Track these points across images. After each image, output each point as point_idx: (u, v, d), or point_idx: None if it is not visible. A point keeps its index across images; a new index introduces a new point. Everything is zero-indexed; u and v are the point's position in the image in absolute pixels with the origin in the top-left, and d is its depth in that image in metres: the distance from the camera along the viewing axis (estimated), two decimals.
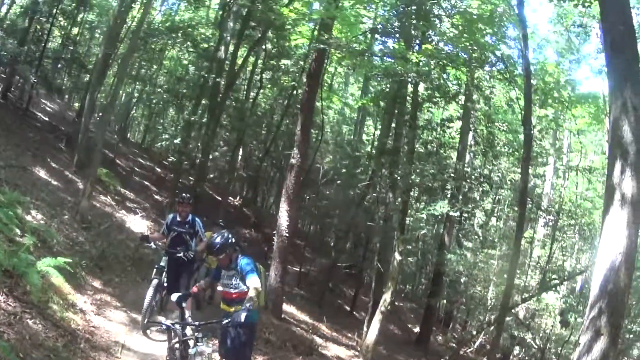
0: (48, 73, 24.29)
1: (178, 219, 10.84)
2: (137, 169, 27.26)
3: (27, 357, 6.59)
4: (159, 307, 11.23)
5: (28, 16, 21.85)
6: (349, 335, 20.50)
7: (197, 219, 10.99)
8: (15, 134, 18.14)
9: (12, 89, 22.65)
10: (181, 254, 10.49)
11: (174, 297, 7.52)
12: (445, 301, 25.60)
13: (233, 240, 7.19)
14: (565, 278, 20.64)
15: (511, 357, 24.17)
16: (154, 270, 10.82)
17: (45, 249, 10.65)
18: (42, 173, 16.13)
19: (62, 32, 26.55)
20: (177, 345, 7.16)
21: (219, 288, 7.58)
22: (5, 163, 14.55)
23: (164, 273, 10.64)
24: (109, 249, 14.13)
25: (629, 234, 7.63)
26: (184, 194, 11.04)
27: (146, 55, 28.02)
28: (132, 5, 23.92)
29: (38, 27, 22.83)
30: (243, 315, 6.56)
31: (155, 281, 10.36)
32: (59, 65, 25.81)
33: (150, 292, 10.11)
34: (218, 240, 7.09)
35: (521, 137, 20.62)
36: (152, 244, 10.94)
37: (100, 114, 28.21)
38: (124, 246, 15.33)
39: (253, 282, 6.96)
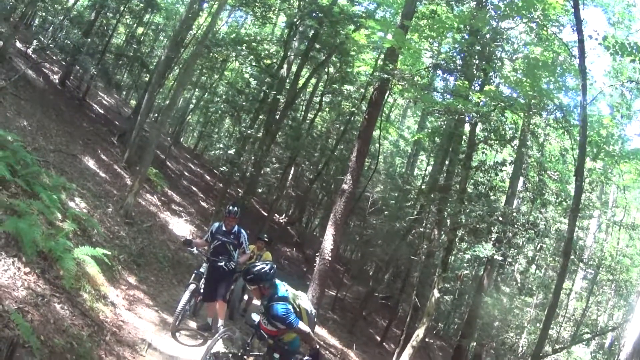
0: (109, 67, 24.70)
1: (224, 228, 10.62)
2: (186, 174, 27.34)
3: (49, 342, 6.33)
4: (191, 312, 11.16)
5: (95, 10, 22.30)
6: None
7: (242, 230, 10.79)
8: (68, 122, 18.20)
9: (71, 77, 22.87)
10: (223, 264, 10.28)
11: (255, 317, 7.26)
12: (475, 343, 24.97)
13: (271, 275, 6.70)
14: (598, 333, 20.00)
15: None
16: (193, 275, 10.73)
17: (85, 238, 10.57)
18: (90, 163, 16.09)
19: (127, 30, 26.96)
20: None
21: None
22: (55, 148, 14.55)
23: (202, 279, 10.52)
24: (148, 248, 14.02)
25: None
26: (233, 208, 10.66)
27: (209, 63, 28.15)
28: (199, 13, 24.15)
29: (104, 21, 23.28)
30: None
31: (192, 286, 10.22)
32: (120, 62, 26.11)
33: (186, 296, 10.01)
34: (257, 269, 6.65)
35: (570, 187, 20.19)
36: (194, 249, 10.79)
37: (157, 115, 28.53)
38: (165, 247, 15.21)
39: (305, 329, 6.65)
